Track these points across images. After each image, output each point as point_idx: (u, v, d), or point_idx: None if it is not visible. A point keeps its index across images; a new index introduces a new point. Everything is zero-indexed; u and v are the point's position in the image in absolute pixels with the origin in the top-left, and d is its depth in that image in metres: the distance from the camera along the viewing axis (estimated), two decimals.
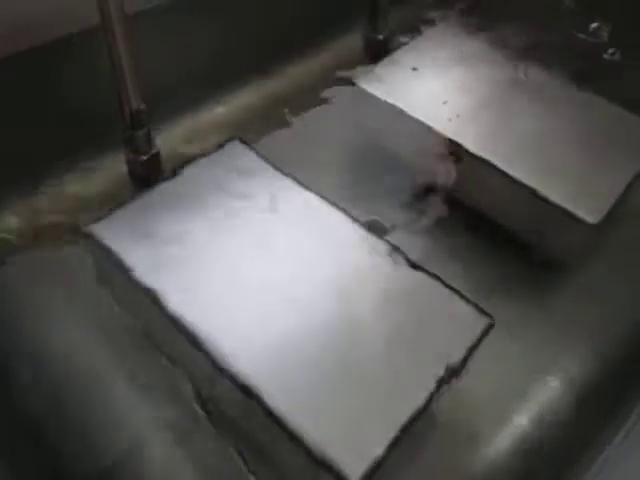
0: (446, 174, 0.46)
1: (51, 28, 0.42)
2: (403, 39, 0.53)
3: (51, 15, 0.42)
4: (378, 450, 0.28)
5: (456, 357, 0.32)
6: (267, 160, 0.41)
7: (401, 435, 0.29)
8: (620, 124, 0.46)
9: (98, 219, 0.37)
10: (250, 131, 0.50)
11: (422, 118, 0.45)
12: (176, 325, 0.33)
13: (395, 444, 0.29)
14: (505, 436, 0.37)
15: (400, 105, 0.46)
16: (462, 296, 0.35)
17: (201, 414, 0.36)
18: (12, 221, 0.44)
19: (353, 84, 0.48)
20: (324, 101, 0.55)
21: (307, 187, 0.40)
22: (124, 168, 0.45)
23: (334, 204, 0.39)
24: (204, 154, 0.41)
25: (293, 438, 0.29)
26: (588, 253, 0.45)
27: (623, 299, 0.44)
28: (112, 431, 0.35)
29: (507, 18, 0.59)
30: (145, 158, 0.43)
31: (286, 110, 0.54)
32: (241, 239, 0.37)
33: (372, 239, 0.37)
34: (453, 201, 0.47)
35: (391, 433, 0.29)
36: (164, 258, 0.35)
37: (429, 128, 0.45)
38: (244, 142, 0.43)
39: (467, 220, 0.46)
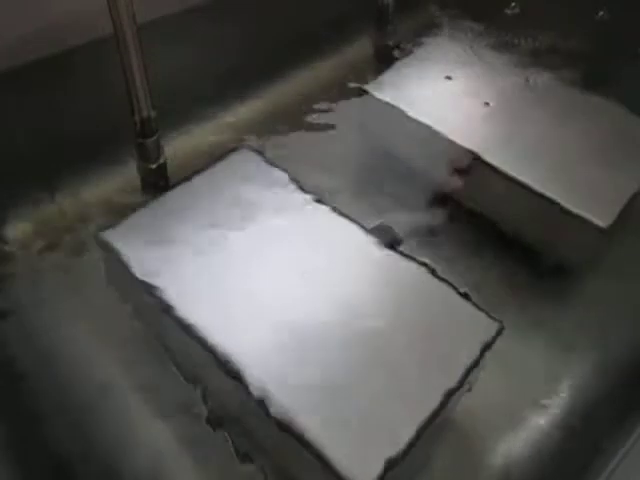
0: (455, 180, 0.46)
1: (66, 37, 0.43)
2: (412, 45, 0.53)
3: (65, 25, 0.43)
4: (388, 458, 0.28)
5: (467, 362, 0.32)
6: (276, 167, 0.41)
7: (412, 443, 0.29)
8: (630, 128, 0.46)
9: (110, 226, 0.37)
10: (260, 138, 0.51)
11: (431, 124, 0.45)
12: (186, 331, 0.33)
13: (407, 451, 0.29)
14: (516, 442, 0.37)
15: (409, 111, 0.46)
16: (472, 301, 0.35)
17: (210, 419, 0.36)
18: (26, 229, 0.45)
19: (362, 90, 0.48)
20: (333, 108, 0.55)
21: (316, 194, 0.40)
22: (136, 175, 0.45)
23: (343, 211, 0.39)
24: (213, 161, 0.42)
25: (303, 445, 0.29)
26: (598, 259, 0.44)
27: (633, 304, 0.44)
28: (117, 432, 0.36)
29: (515, 23, 0.59)
30: (155, 166, 0.44)
31: (296, 117, 0.54)
32: (251, 246, 0.37)
33: (380, 246, 0.37)
34: (462, 206, 0.47)
35: (402, 441, 0.29)
36: (175, 265, 0.36)
37: (438, 134, 0.45)
38: (253, 149, 0.43)
39: (476, 225, 0.46)
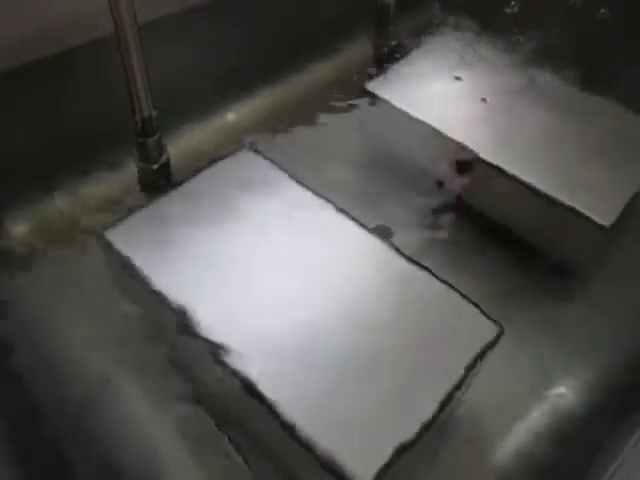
0: (456, 179, 0.46)
1: (66, 37, 0.43)
2: (412, 45, 0.53)
3: (65, 25, 0.43)
4: (387, 457, 0.28)
5: (467, 364, 0.32)
6: (278, 167, 0.41)
7: (412, 443, 0.29)
8: (631, 127, 0.46)
9: (111, 225, 0.37)
10: (260, 138, 0.51)
11: (433, 123, 0.45)
12: (187, 330, 0.33)
13: (405, 452, 0.29)
14: (516, 443, 0.37)
15: (410, 110, 0.46)
16: (473, 303, 0.34)
17: (209, 418, 0.36)
18: (26, 229, 0.45)
19: (363, 90, 0.48)
20: (334, 108, 0.55)
21: (318, 194, 0.40)
22: (136, 175, 0.45)
23: (345, 210, 0.39)
24: (214, 161, 0.42)
25: (303, 444, 0.29)
26: (599, 257, 0.44)
27: (634, 303, 0.44)
28: (116, 429, 0.36)
29: (515, 22, 0.59)
30: (156, 165, 0.44)
31: (296, 116, 0.54)
32: (252, 245, 0.37)
33: (383, 246, 0.37)
34: (464, 206, 0.47)
35: (401, 441, 0.29)
36: (176, 264, 0.36)
37: (440, 133, 0.45)
38: (255, 150, 0.43)
39: (478, 225, 0.46)
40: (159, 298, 0.34)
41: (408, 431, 0.29)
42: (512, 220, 0.45)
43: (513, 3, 0.61)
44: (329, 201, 0.39)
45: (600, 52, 0.56)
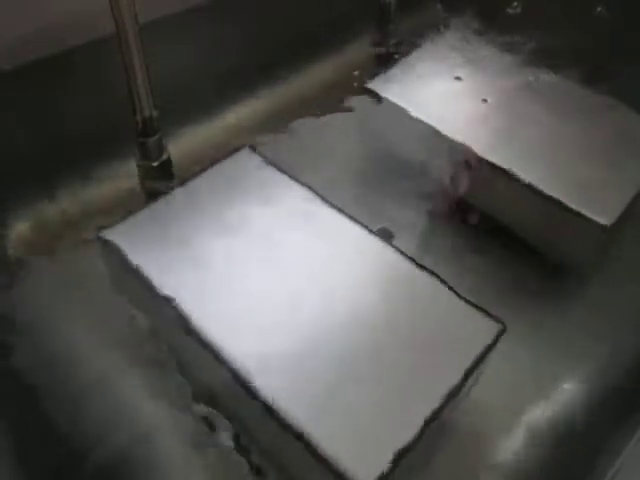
0: (457, 179, 0.46)
1: (66, 37, 0.43)
2: (413, 45, 0.53)
3: (65, 25, 0.43)
4: (389, 459, 0.28)
5: (469, 364, 0.32)
6: (277, 167, 0.41)
7: (413, 443, 0.29)
8: (632, 126, 0.46)
9: (111, 225, 0.37)
10: (260, 138, 0.51)
11: (433, 123, 0.45)
12: (187, 330, 0.33)
13: (407, 452, 0.29)
14: (517, 443, 0.37)
15: (411, 110, 0.46)
16: (472, 303, 0.34)
17: (209, 418, 0.36)
18: (27, 230, 0.45)
19: (364, 89, 0.48)
20: (335, 108, 0.55)
21: (317, 194, 0.40)
22: (137, 175, 0.45)
23: (345, 211, 0.39)
24: (215, 162, 0.42)
25: (304, 445, 0.29)
26: (601, 257, 0.44)
27: (634, 304, 0.44)
28: (119, 431, 0.36)
29: (515, 23, 0.59)
30: (156, 164, 0.44)
31: (297, 116, 0.54)
32: (253, 246, 0.37)
33: (383, 246, 0.37)
34: (465, 206, 0.47)
35: (403, 442, 0.29)
36: (176, 264, 0.36)
37: (440, 133, 0.45)
38: (254, 149, 0.43)
39: (479, 225, 0.46)
40: (159, 298, 0.34)
41: (409, 433, 0.29)
42: (512, 220, 0.45)
43: (515, 3, 0.61)
44: (329, 201, 0.39)
45: (600, 52, 0.56)
